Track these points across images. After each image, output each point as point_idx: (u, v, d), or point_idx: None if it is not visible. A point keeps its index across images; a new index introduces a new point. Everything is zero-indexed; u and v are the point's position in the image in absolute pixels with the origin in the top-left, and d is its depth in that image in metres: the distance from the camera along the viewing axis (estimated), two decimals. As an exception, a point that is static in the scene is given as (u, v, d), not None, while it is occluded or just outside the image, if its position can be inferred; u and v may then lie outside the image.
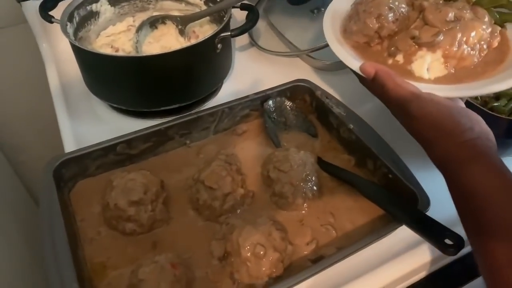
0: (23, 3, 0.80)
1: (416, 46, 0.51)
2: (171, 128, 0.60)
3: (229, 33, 0.66)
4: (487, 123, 0.57)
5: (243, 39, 0.89)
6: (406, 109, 0.45)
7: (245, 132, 0.65)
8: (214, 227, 0.51)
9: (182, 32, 0.75)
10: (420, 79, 0.51)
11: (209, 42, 0.65)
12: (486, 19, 0.51)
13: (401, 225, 0.48)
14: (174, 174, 0.58)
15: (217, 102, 0.66)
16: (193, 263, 0.48)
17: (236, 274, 0.46)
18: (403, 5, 0.54)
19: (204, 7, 0.79)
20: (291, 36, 0.86)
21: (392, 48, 0.52)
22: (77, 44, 0.64)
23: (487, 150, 0.42)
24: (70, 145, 0.65)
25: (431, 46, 0.50)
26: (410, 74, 0.51)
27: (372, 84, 0.49)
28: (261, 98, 0.65)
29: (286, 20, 0.90)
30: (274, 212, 0.53)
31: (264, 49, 0.86)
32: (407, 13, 0.54)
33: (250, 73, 0.82)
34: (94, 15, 0.77)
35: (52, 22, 0.68)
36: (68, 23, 0.68)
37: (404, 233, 0.48)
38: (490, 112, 0.55)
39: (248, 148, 0.63)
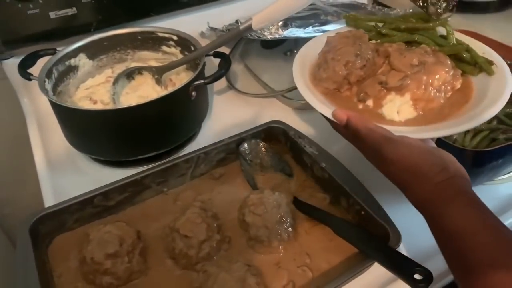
0: (3, 61, 0.82)
1: (385, 91, 0.52)
2: (147, 177, 0.61)
3: (203, 81, 0.68)
4: (454, 155, 0.58)
5: (221, 82, 0.92)
6: (380, 153, 0.46)
7: (222, 176, 0.66)
8: (191, 276, 0.52)
9: (158, 81, 0.77)
10: (391, 122, 0.52)
11: (183, 91, 0.67)
12: (448, 62, 0.53)
13: (373, 262, 0.48)
14: (151, 223, 0.59)
15: (196, 146, 0.68)
16: (170, 314, 0.48)
17: (213, 323, 0.46)
18: (369, 52, 0.56)
19: (180, 56, 0.82)
20: (266, 78, 0.89)
21: (362, 94, 0.54)
22: (54, 100, 0.66)
23: (463, 188, 0.43)
24: (49, 199, 0.66)
25: (399, 90, 0.51)
26: (381, 118, 0.52)
27: (345, 130, 0.50)
28: (236, 142, 0.66)
29: (261, 63, 0.94)
30: (251, 256, 0.54)
31: (241, 91, 0.89)
32: (373, 59, 0.56)
33: (228, 115, 0.84)
34: (72, 69, 0.79)
35: (30, 80, 0.71)
36: (47, 80, 0.71)
37: (381, 270, 0.49)
38: (456, 145, 0.57)
39: (225, 192, 0.64)
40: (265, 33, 0.78)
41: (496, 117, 0.68)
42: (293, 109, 0.85)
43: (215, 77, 0.69)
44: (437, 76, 0.51)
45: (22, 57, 0.77)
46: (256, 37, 0.78)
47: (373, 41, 0.60)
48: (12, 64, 0.83)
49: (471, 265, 0.39)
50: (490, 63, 0.54)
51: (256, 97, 0.88)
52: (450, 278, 0.53)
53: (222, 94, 0.91)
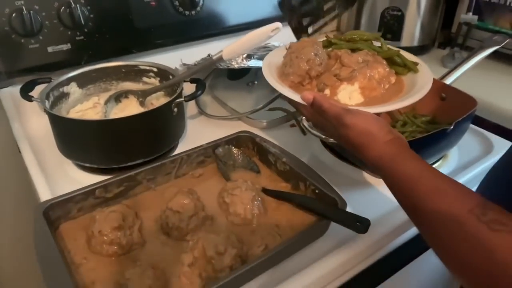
0: (0, 89, 0.93)
1: (339, 82, 0.68)
2: (140, 173, 0.73)
3: (183, 99, 0.83)
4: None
5: (193, 109, 1.07)
6: (341, 121, 0.57)
7: (201, 175, 0.79)
8: (182, 244, 0.63)
9: (142, 104, 0.91)
10: (345, 105, 0.65)
11: (167, 106, 0.81)
12: (384, 62, 0.71)
13: (329, 220, 0.63)
14: (144, 211, 0.70)
15: (175, 157, 0.80)
16: (167, 271, 0.58)
17: (203, 273, 0.57)
18: (324, 54, 0.72)
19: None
20: (233, 104, 1.05)
21: (321, 84, 0.68)
22: (54, 113, 0.77)
23: (405, 146, 0.55)
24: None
25: (350, 80, 0.67)
26: (337, 103, 0.66)
27: (310, 108, 0.62)
28: (212, 147, 0.80)
29: (227, 92, 1.10)
30: (230, 228, 0.66)
31: (211, 115, 1.04)
32: (327, 60, 0.72)
33: (200, 135, 0.97)
34: (65, 95, 0.91)
35: (32, 101, 0.82)
36: (46, 101, 0.82)
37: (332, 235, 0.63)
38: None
39: (205, 186, 0.76)
40: (233, 63, 0.95)
41: (414, 124, 0.88)
42: (256, 129, 1.00)
43: (194, 96, 0.84)
44: (377, 71, 0.68)
45: (18, 86, 0.89)
46: (226, 67, 0.95)
47: (325, 50, 0.76)
48: (8, 92, 0.93)
49: (419, 196, 0.48)
50: (416, 64, 0.73)
51: (224, 119, 1.03)
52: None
53: (195, 119, 1.06)
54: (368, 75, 0.67)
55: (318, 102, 0.60)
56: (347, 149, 0.61)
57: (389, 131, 0.56)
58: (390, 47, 0.78)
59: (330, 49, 0.76)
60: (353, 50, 0.75)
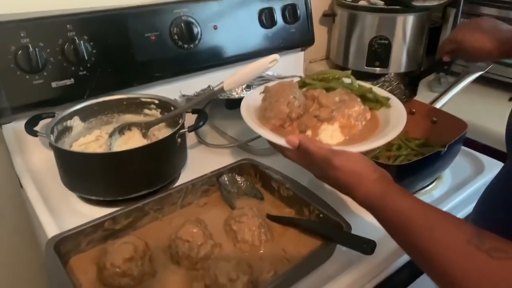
0: (3, 125, 0.94)
1: (320, 122, 0.69)
2: (148, 204, 0.74)
3: (186, 129, 0.85)
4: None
5: (193, 139, 1.09)
6: (329, 162, 0.58)
7: (206, 204, 0.81)
8: (193, 274, 0.64)
9: (145, 135, 0.93)
10: (328, 145, 0.67)
11: (171, 138, 0.83)
12: (359, 100, 0.73)
13: (335, 243, 0.64)
14: (152, 241, 0.71)
15: (178, 188, 0.82)
16: (181, 300, 0.59)
17: (216, 301, 0.58)
18: (302, 96, 0.73)
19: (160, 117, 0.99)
20: (231, 132, 1.07)
21: (303, 126, 0.69)
22: (60, 147, 0.79)
23: (392, 182, 0.57)
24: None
25: (330, 120, 0.69)
26: (320, 143, 0.67)
27: (295, 152, 0.63)
28: (216, 175, 0.82)
29: (226, 121, 1.13)
30: (239, 255, 0.67)
31: (210, 144, 1.06)
32: (304, 101, 0.73)
33: (201, 164, 0.99)
34: (68, 129, 0.93)
35: (37, 136, 0.84)
36: (51, 135, 0.84)
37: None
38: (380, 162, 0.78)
39: (210, 215, 0.78)
40: (233, 93, 0.98)
41: (409, 147, 0.91)
42: (255, 156, 1.03)
43: (197, 126, 0.87)
44: (354, 109, 0.70)
45: (20, 121, 0.90)
46: (226, 97, 0.98)
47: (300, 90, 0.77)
48: (11, 127, 0.95)
49: (415, 232, 0.48)
50: (387, 99, 0.76)
51: (223, 147, 1.06)
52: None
53: (194, 148, 1.08)
54: (346, 114, 0.69)
55: (304, 145, 0.61)
56: (336, 189, 0.62)
57: (375, 169, 0.58)
58: (361, 83, 0.81)
59: (305, 89, 0.78)
60: (327, 89, 0.77)
